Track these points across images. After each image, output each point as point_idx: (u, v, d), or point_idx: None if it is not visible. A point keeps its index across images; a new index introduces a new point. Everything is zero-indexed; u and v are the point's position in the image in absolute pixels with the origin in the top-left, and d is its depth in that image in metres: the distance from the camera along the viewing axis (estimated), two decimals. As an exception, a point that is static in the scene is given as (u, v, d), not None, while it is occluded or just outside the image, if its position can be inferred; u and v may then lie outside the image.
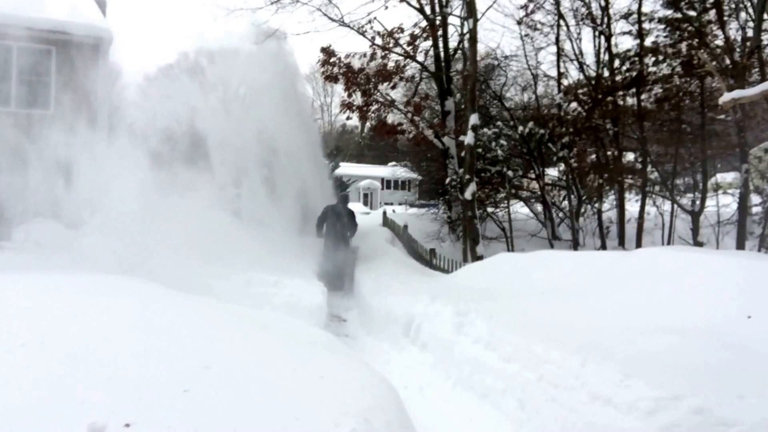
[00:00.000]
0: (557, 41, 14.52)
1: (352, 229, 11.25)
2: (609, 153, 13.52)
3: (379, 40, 13.69)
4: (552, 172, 15.00)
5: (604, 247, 12.77)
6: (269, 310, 6.78)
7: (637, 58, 12.73)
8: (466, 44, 12.78)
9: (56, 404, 2.25)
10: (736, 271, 4.69)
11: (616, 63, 13.43)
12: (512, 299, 5.88)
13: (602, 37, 13.94)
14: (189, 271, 8.44)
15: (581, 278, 5.85)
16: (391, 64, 14.16)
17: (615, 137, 13.28)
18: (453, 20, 14.64)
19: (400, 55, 14.07)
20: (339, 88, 14.85)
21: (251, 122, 12.26)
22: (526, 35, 14.84)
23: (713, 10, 11.65)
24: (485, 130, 13.14)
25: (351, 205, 12.36)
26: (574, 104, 12.78)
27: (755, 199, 11.86)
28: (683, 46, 12.10)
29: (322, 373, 2.98)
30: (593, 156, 14.07)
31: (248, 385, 2.66)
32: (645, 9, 13.00)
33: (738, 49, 11.56)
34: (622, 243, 12.76)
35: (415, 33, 13.79)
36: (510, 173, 13.08)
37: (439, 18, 14.11)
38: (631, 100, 13.50)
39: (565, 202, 13.99)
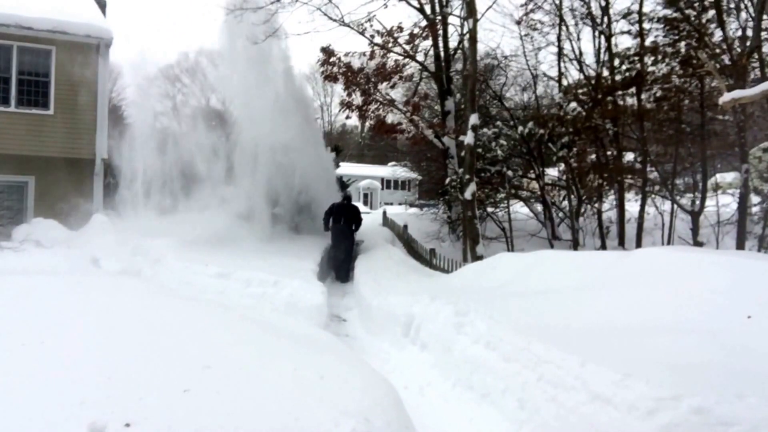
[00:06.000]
0: (558, 41, 14.52)
1: (356, 222, 11.99)
2: (609, 153, 13.51)
3: (378, 39, 13.70)
4: (552, 172, 14.99)
5: (604, 247, 12.76)
6: (269, 310, 6.79)
7: (636, 58, 12.71)
8: (466, 44, 12.77)
9: (56, 404, 2.25)
10: (735, 271, 4.69)
11: (616, 62, 13.41)
12: (512, 299, 5.88)
13: (602, 37, 13.93)
14: (189, 271, 8.47)
15: (581, 278, 5.86)
16: (390, 64, 14.17)
17: (615, 137, 13.27)
18: (453, 20, 14.66)
19: (399, 54, 14.08)
20: (339, 88, 14.88)
21: (251, 122, 12.26)
22: (526, 35, 14.86)
23: (713, 9, 11.65)
24: (485, 130, 13.14)
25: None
26: (573, 104, 12.76)
27: (755, 199, 11.85)
28: (682, 45, 12.09)
29: (322, 373, 2.98)
30: (593, 156, 14.05)
31: (248, 385, 2.66)
32: (645, 9, 13.01)
33: (737, 49, 11.55)
34: (622, 243, 12.75)
35: (415, 32, 13.79)
36: (510, 173, 13.09)
37: (438, 18, 14.11)
38: (630, 100, 13.49)
39: (565, 202, 13.98)
